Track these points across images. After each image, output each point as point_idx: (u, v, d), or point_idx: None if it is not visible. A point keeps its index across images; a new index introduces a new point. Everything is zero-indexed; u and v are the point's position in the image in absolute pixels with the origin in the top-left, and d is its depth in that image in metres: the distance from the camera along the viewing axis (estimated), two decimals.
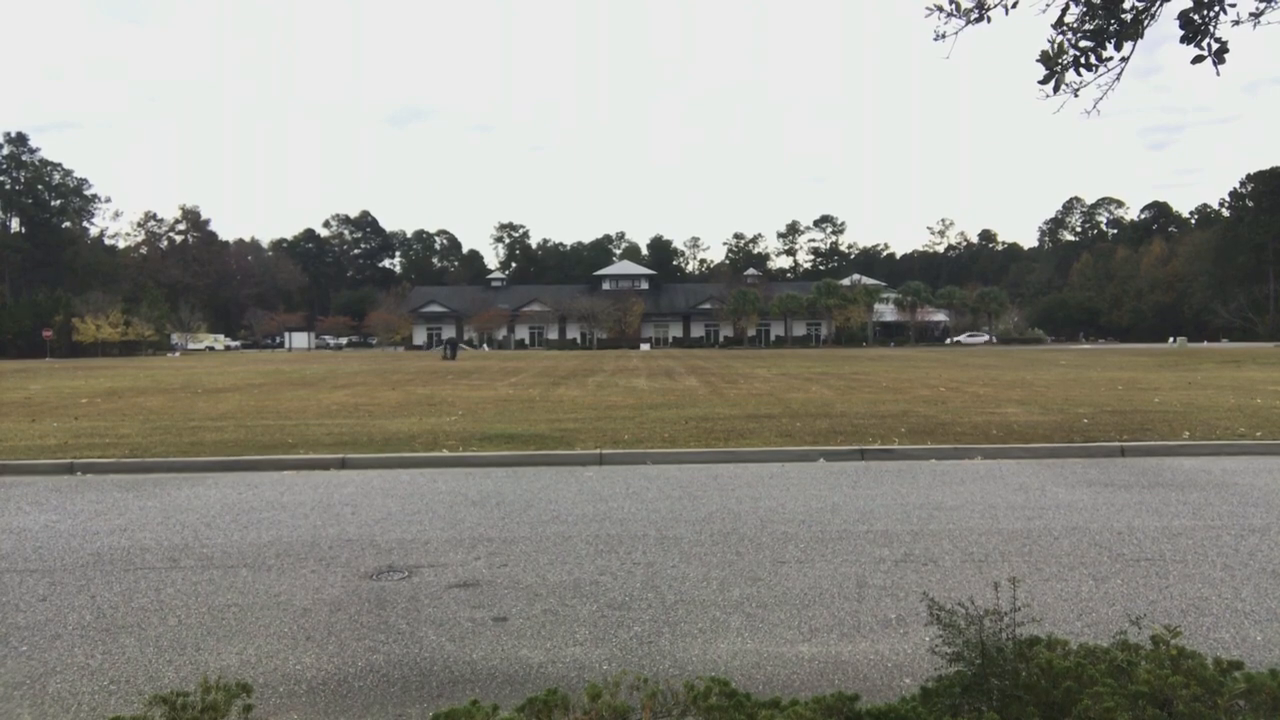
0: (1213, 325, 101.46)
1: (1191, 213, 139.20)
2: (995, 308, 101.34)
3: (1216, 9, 3.80)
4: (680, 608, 5.61)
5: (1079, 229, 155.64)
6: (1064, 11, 4.12)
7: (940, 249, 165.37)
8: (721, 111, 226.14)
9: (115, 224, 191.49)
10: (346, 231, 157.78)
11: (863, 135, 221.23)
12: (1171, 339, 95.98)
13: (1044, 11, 4.15)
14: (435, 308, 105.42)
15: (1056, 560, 6.62)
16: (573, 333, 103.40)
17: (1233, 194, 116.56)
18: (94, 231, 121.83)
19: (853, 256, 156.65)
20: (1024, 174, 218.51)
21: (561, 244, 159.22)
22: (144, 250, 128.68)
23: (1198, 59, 3.88)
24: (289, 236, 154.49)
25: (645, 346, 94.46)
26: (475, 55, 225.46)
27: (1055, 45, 4.11)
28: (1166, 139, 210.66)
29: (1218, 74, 3.93)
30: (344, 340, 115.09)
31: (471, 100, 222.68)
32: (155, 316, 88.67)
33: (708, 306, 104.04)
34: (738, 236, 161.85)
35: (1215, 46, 3.84)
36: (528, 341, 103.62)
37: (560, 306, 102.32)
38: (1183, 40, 3.83)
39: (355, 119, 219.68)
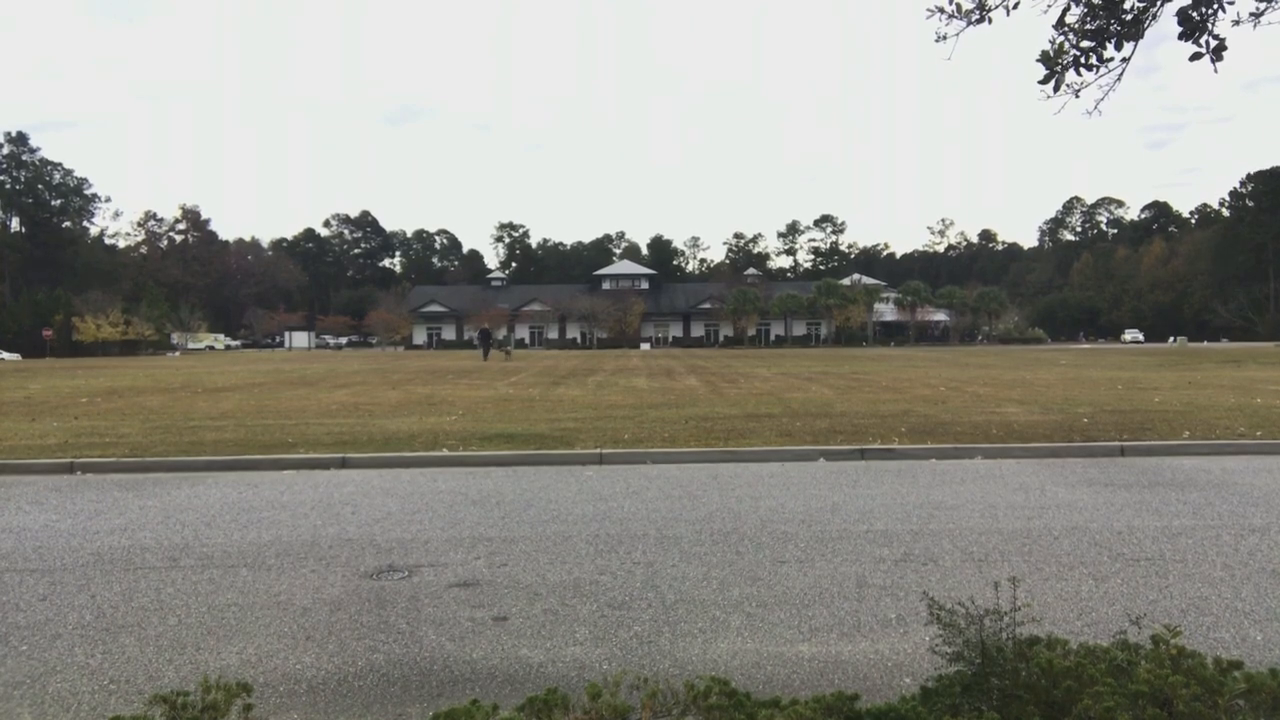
0: (1213, 325, 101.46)
1: (1191, 212, 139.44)
2: (995, 307, 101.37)
3: (1215, 6, 3.79)
4: (680, 607, 5.60)
5: (1079, 229, 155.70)
6: (1065, 12, 4.12)
7: (940, 249, 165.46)
8: (721, 111, 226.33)
9: (115, 224, 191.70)
10: (346, 231, 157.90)
11: (862, 135, 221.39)
12: (1171, 338, 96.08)
13: (1045, 12, 4.15)
14: (435, 307, 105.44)
15: (1056, 560, 6.62)
16: (573, 332, 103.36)
17: (1233, 194, 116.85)
18: (94, 231, 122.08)
19: (853, 256, 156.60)
20: (1024, 174, 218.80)
21: (561, 244, 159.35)
22: (144, 250, 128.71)
23: (1195, 56, 3.88)
24: (289, 236, 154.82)
25: (645, 346, 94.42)
26: (474, 54, 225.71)
27: (1055, 45, 4.11)
28: (1166, 138, 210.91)
29: (1215, 71, 3.92)
30: (344, 340, 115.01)
31: (470, 99, 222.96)
32: (155, 316, 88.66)
33: (708, 306, 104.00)
34: (738, 236, 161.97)
35: (1213, 44, 3.84)
36: (528, 341, 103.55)
37: (560, 306, 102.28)
38: (1181, 37, 3.83)
39: (355, 118, 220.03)
